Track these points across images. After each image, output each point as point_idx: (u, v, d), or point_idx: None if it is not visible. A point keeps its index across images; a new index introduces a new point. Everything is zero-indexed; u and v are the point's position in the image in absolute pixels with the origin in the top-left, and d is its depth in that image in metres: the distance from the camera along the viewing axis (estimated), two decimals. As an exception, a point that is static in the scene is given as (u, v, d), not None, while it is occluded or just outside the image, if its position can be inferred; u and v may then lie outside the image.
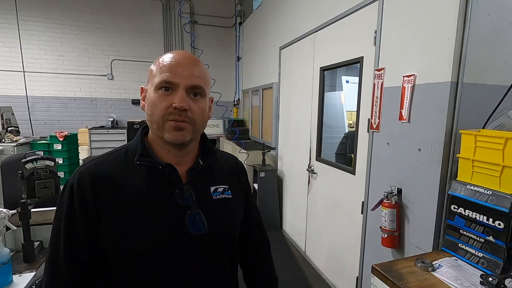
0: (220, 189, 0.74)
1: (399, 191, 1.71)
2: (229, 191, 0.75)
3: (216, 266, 0.72)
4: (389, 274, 1.13)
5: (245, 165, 3.58)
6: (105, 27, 5.43)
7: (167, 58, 0.66)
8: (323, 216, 2.58)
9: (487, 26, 1.40)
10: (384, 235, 1.72)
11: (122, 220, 0.63)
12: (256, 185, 3.49)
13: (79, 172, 0.65)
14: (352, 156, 2.15)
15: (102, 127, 5.32)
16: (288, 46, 3.25)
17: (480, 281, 1.06)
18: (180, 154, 0.70)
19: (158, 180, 0.67)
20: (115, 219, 0.63)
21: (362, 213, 2.03)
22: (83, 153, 4.70)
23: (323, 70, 2.55)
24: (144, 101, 0.69)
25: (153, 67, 0.67)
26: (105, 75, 5.56)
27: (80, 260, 0.64)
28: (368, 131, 1.97)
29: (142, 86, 0.71)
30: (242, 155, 3.56)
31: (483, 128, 1.39)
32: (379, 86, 1.85)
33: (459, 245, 1.26)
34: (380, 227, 1.73)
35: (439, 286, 1.07)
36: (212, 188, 0.73)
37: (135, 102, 5.75)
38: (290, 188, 3.32)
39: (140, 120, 5.41)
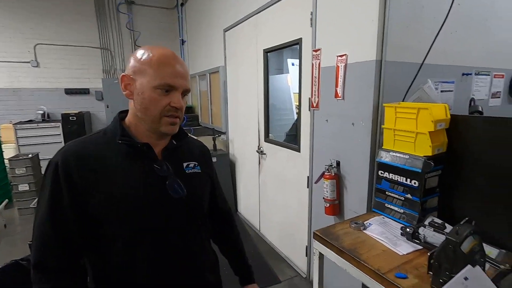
0: (191, 165, 0.88)
1: (338, 163, 1.86)
2: (198, 167, 0.89)
3: (193, 226, 0.85)
4: (327, 237, 1.25)
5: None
6: (24, 7, 4.73)
7: (164, 59, 0.75)
8: (274, 194, 2.70)
9: (405, 9, 1.56)
10: (326, 205, 1.87)
11: (112, 192, 0.73)
12: (208, 171, 3.48)
13: (62, 152, 0.74)
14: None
15: (30, 121, 4.73)
16: (232, 28, 3.21)
17: (401, 232, 1.23)
18: (159, 138, 0.82)
19: (137, 157, 0.78)
20: (105, 191, 0.72)
21: (308, 187, 2.17)
22: (9, 152, 4.14)
23: (266, 52, 2.58)
24: (128, 89, 0.77)
25: (143, 64, 0.74)
26: (28, 62, 4.90)
27: (67, 229, 0.72)
28: (309, 110, 2.08)
29: (124, 74, 0.77)
30: (192, 142, 3.49)
31: (402, 101, 1.57)
32: (317, 66, 1.95)
33: (386, 205, 1.44)
34: (323, 198, 1.88)
35: (368, 241, 1.22)
36: (185, 164, 0.87)
37: (70, 91, 5.20)
38: (243, 170, 3.39)
39: (77, 112, 4.94)
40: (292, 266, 2.46)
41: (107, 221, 0.74)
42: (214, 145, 3.55)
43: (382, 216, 1.44)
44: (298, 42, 2.13)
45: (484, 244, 1.12)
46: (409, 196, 1.32)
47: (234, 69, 3.32)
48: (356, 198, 1.76)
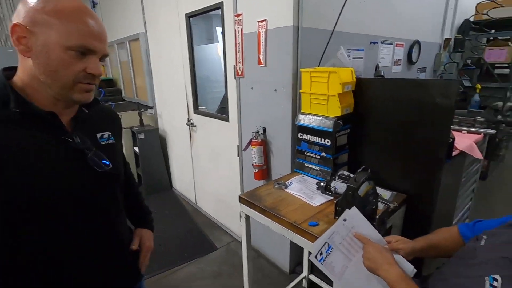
0: (106, 136, 0.80)
1: (264, 130, 1.92)
2: (113, 137, 0.82)
3: (114, 201, 0.80)
4: (251, 199, 1.31)
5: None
6: None
7: (79, 13, 0.62)
8: (207, 165, 2.69)
9: (318, -25, 1.60)
10: (255, 170, 1.94)
11: (21, 174, 0.60)
12: (136, 148, 3.26)
13: None
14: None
15: None
16: (149, -11, 2.89)
17: (316, 187, 1.36)
18: (67, 106, 0.69)
19: (40, 129, 0.65)
20: (10, 175, 0.59)
21: (238, 155, 2.21)
22: None
23: (188, 17, 2.41)
24: (23, 44, 0.61)
25: (48, 15, 0.59)
26: None
27: None
28: (235, 78, 2.06)
29: (16, 23, 0.60)
30: (114, 118, 3.17)
31: (318, 66, 1.66)
32: (239, 32, 1.90)
33: (305, 164, 1.56)
34: (252, 164, 1.95)
35: (288, 198, 1.31)
36: (98, 135, 0.78)
37: None
38: (174, 145, 3.26)
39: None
40: (229, 233, 2.55)
41: (19, 211, 0.61)
42: (141, 121, 3.30)
43: (302, 175, 1.56)
44: (219, 6, 2.04)
45: (380, 188, 1.31)
46: (323, 154, 1.45)
47: (156, 36, 3.04)
48: (281, 162, 1.86)
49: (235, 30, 1.93)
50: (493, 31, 3.41)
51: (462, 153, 1.76)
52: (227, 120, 2.24)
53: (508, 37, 3.48)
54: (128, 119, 3.32)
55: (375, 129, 1.41)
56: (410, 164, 1.31)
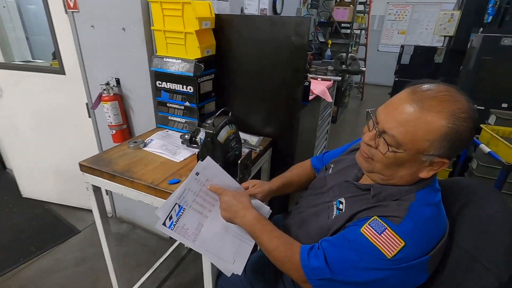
0: None
1: (118, 81, 1.56)
2: None
3: None
4: (96, 165, 1.03)
5: None
6: None
7: None
8: (39, 138, 2.01)
9: None
10: (113, 132, 1.60)
11: None
12: None
13: None
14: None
15: None
16: None
17: (181, 141, 1.19)
18: None
19: None
20: None
21: (89, 116, 1.77)
22: None
23: None
24: None
25: None
26: None
27: None
28: (66, 13, 1.53)
29: None
30: None
31: None
32: None
33: (169, 117, 1.36)
34: (108, 125, 1.59)
35: (147, 157, 1.11)
36: None
37: None
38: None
39: None
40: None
41: None
42: None
43: (167, 130, 1.36)
44: None
45: (248, 134, 1.27)
46: (187, 104, 1.27)
47: None
48: (144, 117, 1.59)
49: None
50: (339, -9, 3.89)
51: (318, 98, 1.96)
52: (62, 72, 1.70)
53: (350, -1, 4.05)
54: None
55: (238, 73, 1.33)
56: (272, 108, 1.31)
